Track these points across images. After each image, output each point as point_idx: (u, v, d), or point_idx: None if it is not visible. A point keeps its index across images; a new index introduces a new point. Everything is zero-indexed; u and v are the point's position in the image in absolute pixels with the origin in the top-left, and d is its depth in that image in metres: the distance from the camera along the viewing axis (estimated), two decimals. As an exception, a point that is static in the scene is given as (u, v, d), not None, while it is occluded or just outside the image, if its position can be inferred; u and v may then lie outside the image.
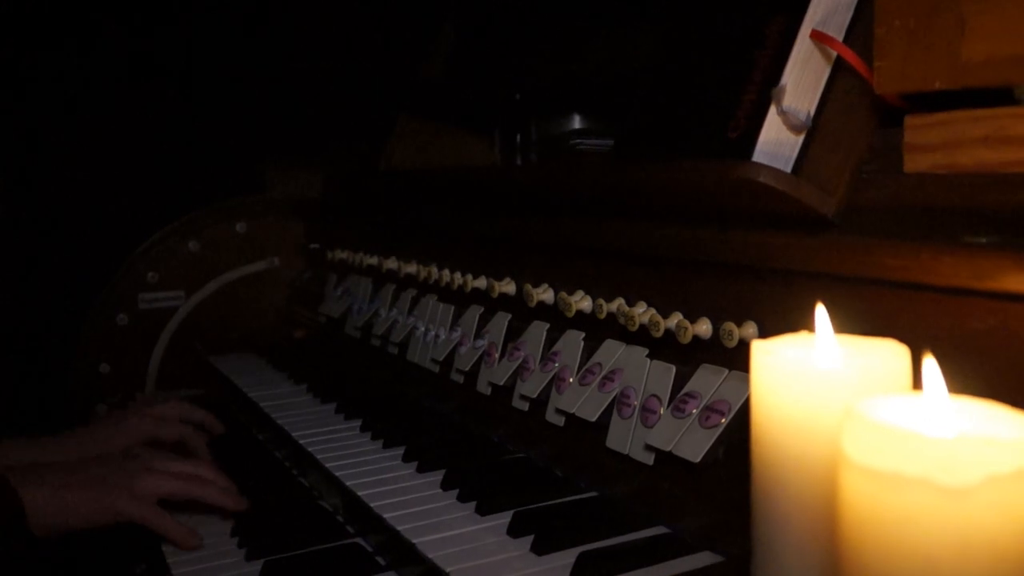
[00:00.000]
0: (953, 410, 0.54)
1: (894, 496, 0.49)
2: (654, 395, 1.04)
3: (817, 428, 0.62)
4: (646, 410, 1.04)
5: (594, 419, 1.11)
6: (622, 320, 1.10)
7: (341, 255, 1.97)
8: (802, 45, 0.93)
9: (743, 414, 0.92)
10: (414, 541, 1.00)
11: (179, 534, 1.15)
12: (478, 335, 1.42)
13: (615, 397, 1.10)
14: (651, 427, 1.03)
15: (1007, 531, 0.48)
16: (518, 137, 1.83)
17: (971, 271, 0.73)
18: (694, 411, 0.98)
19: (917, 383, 0.57)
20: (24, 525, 1.06)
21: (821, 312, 0.69)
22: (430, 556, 0.96)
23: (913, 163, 0.83)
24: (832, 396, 0.62)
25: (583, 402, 1.13)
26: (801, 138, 0.93)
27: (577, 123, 1.74)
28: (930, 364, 0.55)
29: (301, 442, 1.38)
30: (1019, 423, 0.51)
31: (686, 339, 1.00)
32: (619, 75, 1.40)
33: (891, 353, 0.65)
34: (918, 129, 0.82)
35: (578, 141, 1.67)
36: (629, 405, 1.07)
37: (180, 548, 1.14)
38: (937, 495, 0.48)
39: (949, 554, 0.48)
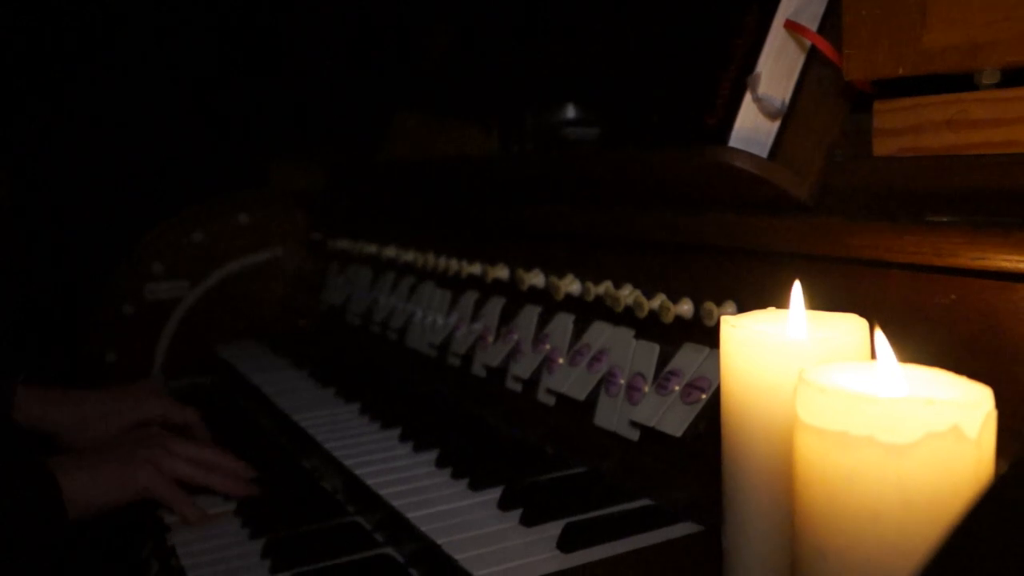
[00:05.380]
0: (898, 375, 0.58)
1: (841, 454, 0.53)
2: (639, 373, 1.08)
3: (779, 396, 0.66)
4: (631, 388, 1.08)
5: (583, 398, 1.15)
6: (608, 302, 1.13)
7: (342, 245, 2.01)
8: (776, 34, 0.96)
9: (722, 390, 0.96)
10: (408, 516, 1.03)
11: (192, 514, 1.21)
12: (473, 319, 1.46)
13: (603, 376, 1.14)
14: (636, 404, 1.06)
15: (945, 484, 0.51)
16: (514, 127, 1.86)
17: (931, 249, 0.76)
18: (676, 388, 1.01)
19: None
20: (63, 513, 1.11)
21: (797, 289, 0.73)
22: (423, 529, 0.99)
23: (882, 147, 0.87)
24: (793, 366, 0.65)
25: (572, 382, 1.17)
26: (776, 124, 0.96)
27: (571, 112, 1.77)
28: (880, 335, 0.59)
29: (302, 425, 1.41)
30: (957, 385, 0.55)
31: (669, 319, 1.04)
32: (611, 64, 1.43)
33: (851, 326, 0.68)
34: (886, 114, 0.86)
35: (570, 130, 1.70)
36: (616, 384, 1.11)
37: (189, 524, 1.19)
38: (880, 452, 0.52)
39: (892, 507, 0.52)
